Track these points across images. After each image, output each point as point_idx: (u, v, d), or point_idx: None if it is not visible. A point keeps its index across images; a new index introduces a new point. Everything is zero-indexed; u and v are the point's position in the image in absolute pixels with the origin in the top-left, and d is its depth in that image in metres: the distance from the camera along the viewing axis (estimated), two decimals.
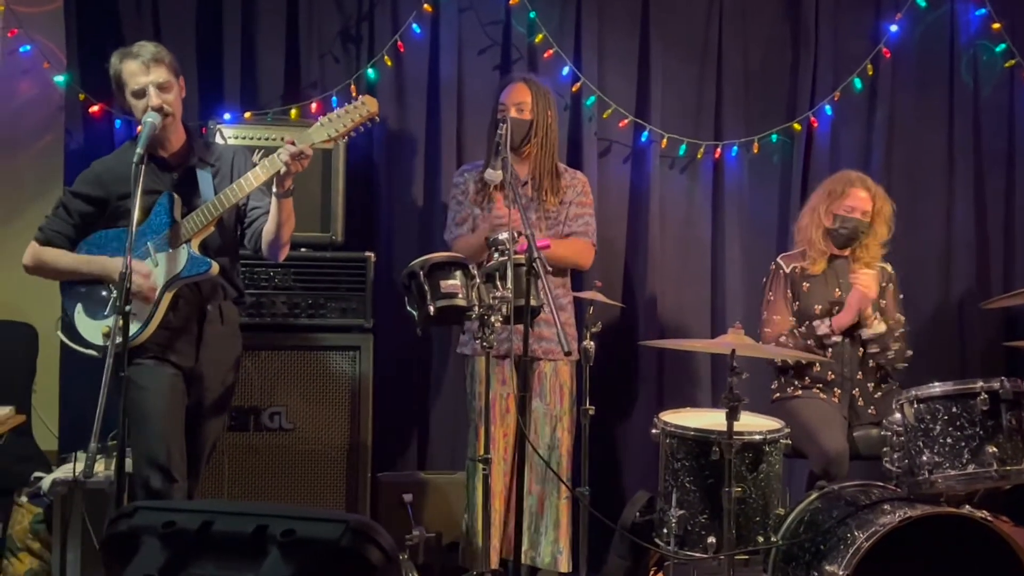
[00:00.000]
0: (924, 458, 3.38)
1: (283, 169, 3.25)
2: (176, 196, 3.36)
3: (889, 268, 4.28)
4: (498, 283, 3.51)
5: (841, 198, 4.16)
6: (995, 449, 3.31)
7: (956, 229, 4.99)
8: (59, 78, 4.51)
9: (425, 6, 4.63)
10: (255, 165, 3.31)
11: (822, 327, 4.10)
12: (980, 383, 3.36)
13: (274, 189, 3.33)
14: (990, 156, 5.02)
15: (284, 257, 3.56)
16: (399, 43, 4.67)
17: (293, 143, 3.26)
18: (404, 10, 4.67)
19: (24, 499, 3.95)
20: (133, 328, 3.18)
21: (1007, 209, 5.03)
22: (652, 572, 3.95)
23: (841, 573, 3.16)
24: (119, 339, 3.00)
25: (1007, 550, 3.19)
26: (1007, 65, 4.96)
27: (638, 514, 4.05)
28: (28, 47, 4.57)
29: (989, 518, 3.25)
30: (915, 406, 3.42)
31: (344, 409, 4.25)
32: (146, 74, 3.31)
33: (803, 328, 4.14)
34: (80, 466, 3.10)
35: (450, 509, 4.37)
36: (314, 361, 4.25)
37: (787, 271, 4.24)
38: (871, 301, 4.10)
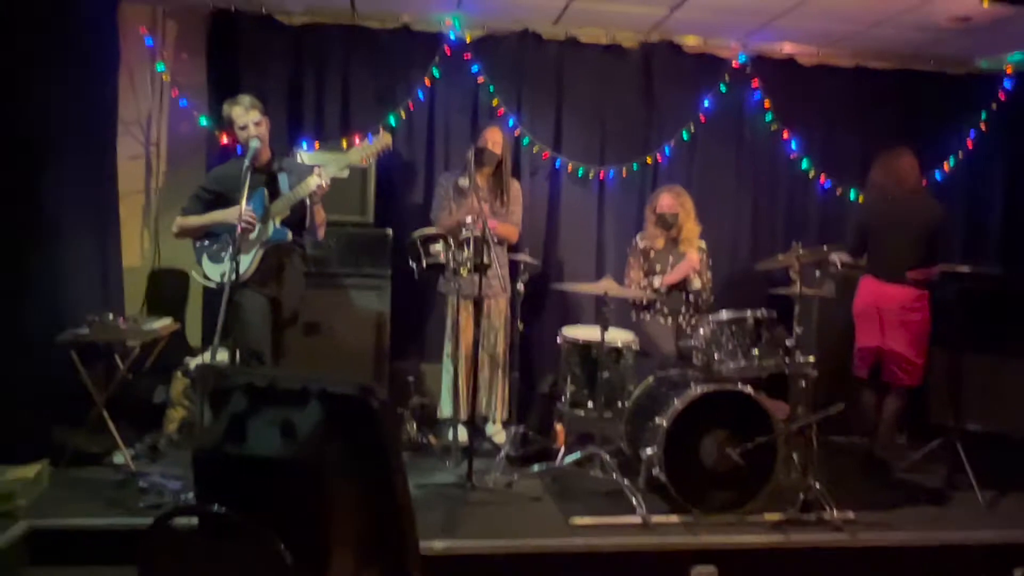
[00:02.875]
0: (716, 357, 3.40)
1: (314, 190, 3.18)
2: (266, 191, 3.27)
3: (703, 245, 4.23)
4: (465, 249, 3.47)
5: (656, 201, 4.15)
6: (757, 352, 3.34)
7: (740, 226, 4.95)
8: (203, 120, 4.40)
9: (426, 80, 4.53)
10: (315, 175, 3.21)
11: (656, 281, 4.07)
12: (749, 312, 3.38)
13: (310, 201, 3.24)
14: (761, 182, 4.98)
15: (322, 236, 3.44)
16: (410, 103, 4.55)
17: (320, 175, 3.16)
18: (414, 83, 4.54)
19: (180, 374, 3.92)
20: (241, 269, 3.10)
21: (771, 214, 5.01)
22: (555, 422, 3.95)
23: (665, 423, 3.18)
24: (232, 277, 2.95)
25: (763, 411, 3.23)
26: (772, 128, 4.92)
27: (548, 388, 4.06)
28: (185, 102, 4.47)
29: (753, 392, 3.28)
30: (711, 326, 3.43)
31: (372, 324, 4.17)
32: (246, 115, 3.22)
33: (647, 280, 4.12)
34: (210, 356, 3.04)
35: (437, 385, 4.29)
36: (353, 295, 4.17)
37: (641, 247, 4.19)
38: (694, 269, 4.07)
